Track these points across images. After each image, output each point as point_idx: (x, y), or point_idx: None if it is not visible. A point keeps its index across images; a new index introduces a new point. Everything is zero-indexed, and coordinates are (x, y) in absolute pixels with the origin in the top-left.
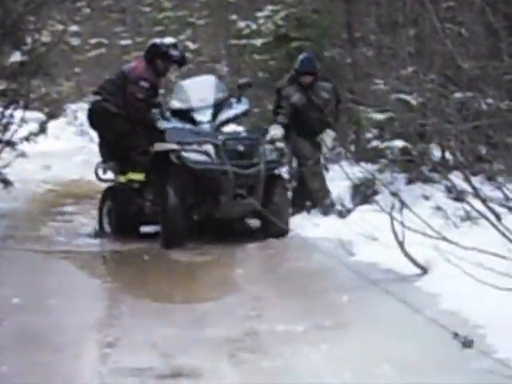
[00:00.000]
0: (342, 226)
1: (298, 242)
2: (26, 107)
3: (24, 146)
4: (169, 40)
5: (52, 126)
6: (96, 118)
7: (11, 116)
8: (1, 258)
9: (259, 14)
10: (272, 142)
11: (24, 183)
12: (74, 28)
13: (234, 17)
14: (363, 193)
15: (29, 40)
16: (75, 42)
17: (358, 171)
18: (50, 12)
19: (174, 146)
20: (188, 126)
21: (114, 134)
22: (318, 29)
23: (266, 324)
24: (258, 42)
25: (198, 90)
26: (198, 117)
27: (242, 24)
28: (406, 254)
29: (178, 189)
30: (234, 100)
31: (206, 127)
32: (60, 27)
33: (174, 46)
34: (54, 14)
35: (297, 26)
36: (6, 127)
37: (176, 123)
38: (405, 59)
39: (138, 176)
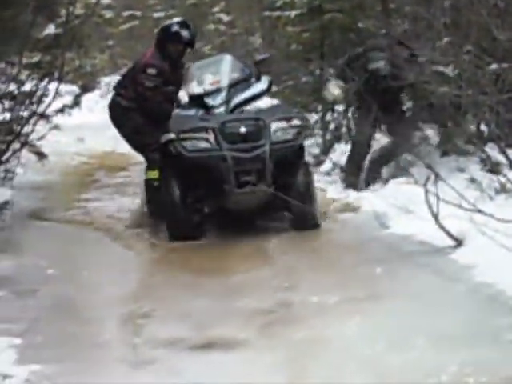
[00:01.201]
0: (376, 199)
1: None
2: (60, 80)
3: (58, 119)
4: (178, 19)
5: (86, 98)
6: (111, 114)
7: (46, 88)
8: (36, 229)
9: None
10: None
11: (58, 156)
12: (107, 1)
13: None
14: (397, 165)
15: (63, 12)
16: (108, 14)
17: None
18: None
19: (172, 136)
20: (200, 112)
21: (128, 130)
22: (351, 0)
23: (298, 296)
24: (292, 13)
25: (211, 72)
26: (210, 101)
27: None
28: (441, 227)
29: (180, 181)
30: (253, 80)
31: (219, 111)
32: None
33: (185, 25)
34: None
35: None
36: (40, 100)
37: (190, 110)
38: (440, 30)
39: (153, 174)
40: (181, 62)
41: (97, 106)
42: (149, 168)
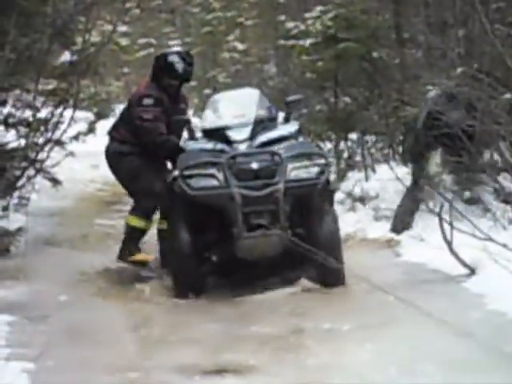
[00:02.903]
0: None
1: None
2: (75, 107)
3: (73, 146)
4: (175, 50)
5: (101, 125)
6: (106, 160)
7: (61, 115)
8: (50, 255)
9: (308, 15)
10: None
11: (72, 182)
12: (123, 28)
13: (282, 17)
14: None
15: (79, 40)
16: (124, 42)
17: (406, 172)
18: (100, 12)
19: (177, 173)
20: (220, 145)
21: (122, 174)
22: (366, 29)
23: (311, 322)
24: (307, 42)
25: (236, 105)
26: (232, 135)
27: (290, 24)
28: (454, 255)
29: (189, 225)
30: (281, 120)
31: (242, 147)
32: (109, 27)
33: (181, 57)
34: (104, 15)
35: (345, 27)
36: (55, 126)
37: (205, 144)
38: (454, 60)
39: (164, 223)
40: (181, 96)
41: None
42: (161, 217)
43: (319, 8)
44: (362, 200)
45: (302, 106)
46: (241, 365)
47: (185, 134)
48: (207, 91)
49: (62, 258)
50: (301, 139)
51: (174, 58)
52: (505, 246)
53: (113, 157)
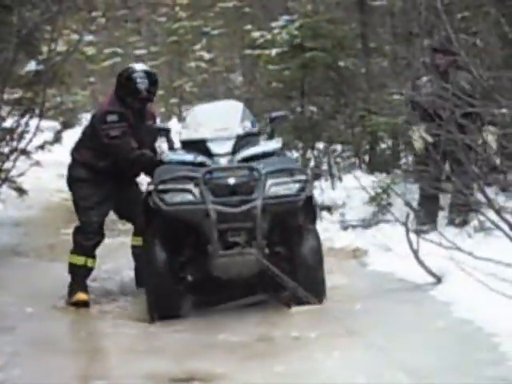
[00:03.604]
0: (356, 237)
1: None
2: (41, 116)
3: (39, 155)
4: (138, 68)
5: (67, 135)
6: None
7: (26, 125)
8: (15, 265)
9: (274, 24)
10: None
11: (38, 192)
12: (89, 37)
13: (248, 27)
14: (377, 203)
15: (44, 49)
16: (90, 51)
17: (373, 181)
18: (66, 21)
19: (151, 188)
20: (200, 158)
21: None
22: (332, 39)
23: (279, 331)
24: (273, 51)
25: (219, 118)
26: (214, 148)
27: (256, 34)
28: (421, 264)
29: (164, 242)
30: (263, 137)
31: (224, 161)
32: (75, 37)
33: (144, 75)
34: (70, 24)
35: (311, 36)
36: (21, 136)
37: (184, 155)
38: (419, 69)
39: (137, 240)
40: (148, 113)
41: None
42: (135, 233)
43: (285, 17)
44: (329, 209)
45: (286, 121)
46: (209, 373)
47: (159, 146)
48: (174, 100)
49: (28, 269)
50: (284, 156)
51: (137, 78)
52: (470, 254)
53: (68, 182)
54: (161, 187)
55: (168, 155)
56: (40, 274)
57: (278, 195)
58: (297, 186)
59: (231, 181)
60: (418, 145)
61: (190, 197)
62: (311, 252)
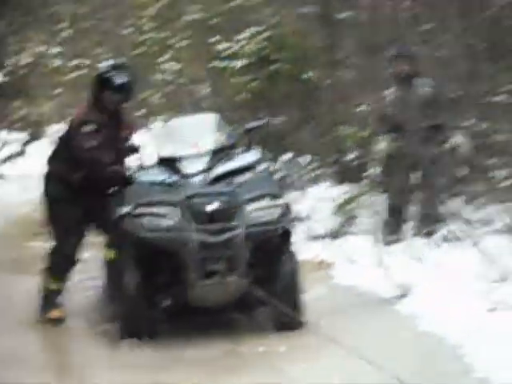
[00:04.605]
0: (323, 249)
1: None
2: (7, 129)
3: (4, 168)
4: (114, 62)
5: (35, 147)
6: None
7: None
8: None
9: (240, 36)
10: None
11: (3, 205)
12: (55, 49)
13: (215, 38)
14: (344, 214)
15: (10, 61)
16: (57, 63)
17: (340, 192)
18: (32, 34)
19: (127, 210)
20: (172, 178)
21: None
22: (298, 51)
23: (246, 345)
24: (237, 64)
25: (192, 133)
26: (186, 167)
27: (222, 46)
28: (386, 276)
29: (139, 265)
30: (241, 149)
31: (197, 180)
32: (41, 49)
33: (121, 69)
34: (36, 36)
35: (277, 48)
36: None
37: (156, 175)
38: (385, 81)
39: (110, 254)
40: (125, 123)
41: (45, 154)
42: (106, 246)
43: (251, 29)
44: (296, 220)
45: (264, 130)
46: None
47: (131, 161)
48: (141, 112)
49: None
50: (261, 168)
51: (113, 71)
52: (436, 264)
53: (44, 198)
54: (137, 211)
55: (139, 175)
56: (3, 288)
57: (259, 223)
58: (278, 211)
59: (211, 207)
60: (380, 148)
61: (168, 222)
62: (289, 273)
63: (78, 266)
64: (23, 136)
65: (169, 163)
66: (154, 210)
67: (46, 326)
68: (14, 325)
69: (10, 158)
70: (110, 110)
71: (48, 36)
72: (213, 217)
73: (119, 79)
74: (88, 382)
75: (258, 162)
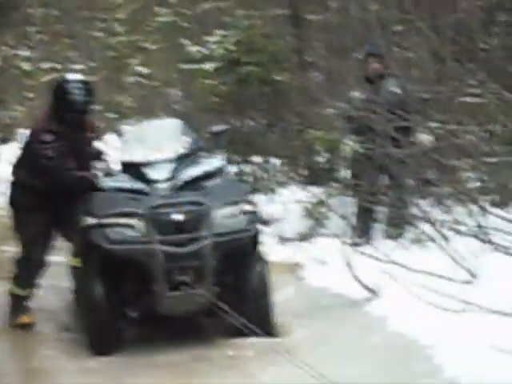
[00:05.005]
0: (293, 251)
1: None
2: None
3: None
4: (72, 78)
5: (5, 151)
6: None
7: None
8: None
9: (209, 39)
10: None
11: None
12: (26, 53)
13: (185, 41)
14: (314, 217)
15: None
16: (27, 66)
17: (309, 195)
18: (2, 37)
19: (92, 221)
20: (138, 185)
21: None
22: (268, 53)
23: (216, 350)
24: (208, 66)
25: (156, 138)
26: (151, 173)
27: (192, 48)
28: (356, 278)
29: (104, 277)
30: (205, 154)
31: (163, 187)
32: (12, 52)
33: (78, 87)
34: (6, 39)
35: (247, 51)
36: None
37: (122, 182)
38: (353, 84)
39: (76, 261)
40: (87, 124)
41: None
42: (73, 254)
43: (220, 32)
44: (266, 223)
45: (229, 135)
46: None
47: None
48: (112, 116)
49: None
50: (227, 172)
51: (72, 89)
52: (405, 266)
53: (10, 205)
54: (102, 222)
55: (104, 181)
56: None
57: (227, 232)
58: (246, 217)
59: (177, 217)
60: (348, 150)
61: (133, 233)
62: (259, 279)
63: (47, 270)
64: None
65: (134, 169)
66: (120, 220)
67: (14, 332)
68: None
69: None
70: (71, 123)
71: (19, 39)
72: (179, 227)
73: (78, 97)
74: None
75: (224, 166)
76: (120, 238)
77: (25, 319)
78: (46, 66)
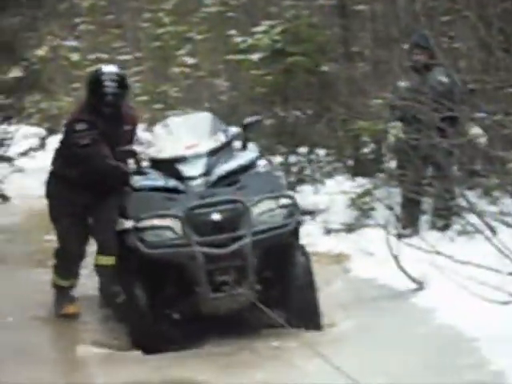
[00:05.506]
0: (339, 242)
1: None
2: (21, 122)
3: (23, 162)
4: (106, 70)
5: (52, 141)
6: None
7: (6, 131)
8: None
9: (256, 29)
10: None
11: (22, 199)
12: (73, 43)
13: (232, 32)
14: (359, 207)
15: (28, 55)
16: (75, 57)
17: (355, 186)
18: (49, 27)
19: (128, 224)
20: (172, 182)
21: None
22: (314, 44)
23: (261, 341)
24: (255, 56)
25: (188, 133)
26: (185, 170)
27: (238, 39)
28: (402, 269)
29: (145, 281)
30: (238, 145)
31: (197, 184)
32: (60, 42)
33: (113, 77)
34: (53, 30)
35: (293, 41)
36: (1, 142)
37: (155, 180)
38: (402, 73)
39: (106, 260)
40: (125, 116)
41: None
42: (98, 251)
43: (267, 22)
44: (312, 213)
45: (261, 126)
46: (191, 380)
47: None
48: (158, 106)
49: (9, 276)
50: (261, 165)
51: (104, 81)
52: (451, 258)
53: (45, 195)
54: (139, 225)
55: (138, 180)
56: (20, 282)
57: (266, 228)
58: (284, 212)
59: (216, 217)
60: (391, 139)
61: (170, 235)
62: (302, 271)
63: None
64: (42, 130)
65: (165, 165)
66: (156, 222)
67: (60, 322)
68: (28, 320)
69: (28, 151)
70: (105, 114)
71: (66, 29)
72: (218, 227)
73: (109, 89)
74: (98, 377)
75: (258, 158)
76: (158, 241)
77: (70, 309)
78: (92, 56)
